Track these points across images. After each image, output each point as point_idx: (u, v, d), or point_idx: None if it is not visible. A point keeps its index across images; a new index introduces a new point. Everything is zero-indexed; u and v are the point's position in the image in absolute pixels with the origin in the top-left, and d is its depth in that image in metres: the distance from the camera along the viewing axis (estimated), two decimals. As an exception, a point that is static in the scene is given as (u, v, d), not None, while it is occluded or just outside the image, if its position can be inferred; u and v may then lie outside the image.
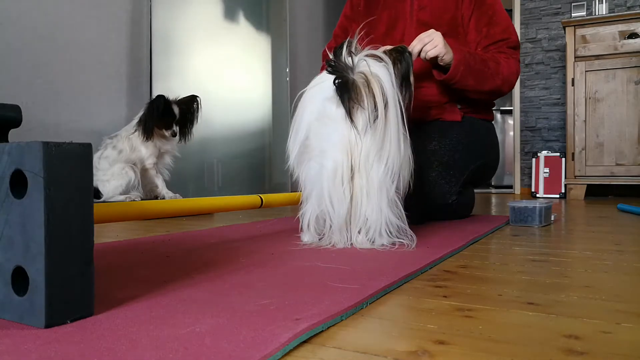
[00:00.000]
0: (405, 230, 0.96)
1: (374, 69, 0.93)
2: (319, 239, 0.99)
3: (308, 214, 0.99)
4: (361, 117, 0.91)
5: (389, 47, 1.10)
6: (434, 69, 1.41)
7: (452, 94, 1.50)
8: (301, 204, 1.02)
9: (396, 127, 0.93)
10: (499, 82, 1.45)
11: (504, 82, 1.46)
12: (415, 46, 1.32)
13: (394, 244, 0.94)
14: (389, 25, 1.55)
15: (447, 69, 1.37)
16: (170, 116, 1.87)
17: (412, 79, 1.07)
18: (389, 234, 0.94)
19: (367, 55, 0.96)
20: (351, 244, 0.95)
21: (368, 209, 0.93)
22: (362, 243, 0.94)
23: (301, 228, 1.02)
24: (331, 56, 0.96)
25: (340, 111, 0.92)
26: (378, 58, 0.97)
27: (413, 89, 1.09)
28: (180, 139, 1.95)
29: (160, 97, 1.84)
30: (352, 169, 0.93)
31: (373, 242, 0.94)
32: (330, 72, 0.93)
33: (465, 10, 1.51)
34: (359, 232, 0.95)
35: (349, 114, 0.91)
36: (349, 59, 0.94)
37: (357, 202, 0.94)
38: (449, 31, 1.49)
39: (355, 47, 0.97)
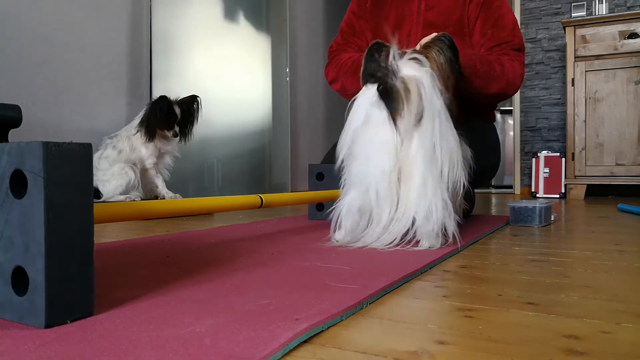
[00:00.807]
0: (454, 232, 0.95)
1: (414, 73, 0.94)
2: (352, 239, 0.98)
3: (345, 207, 0.98)
4: (403, 121, 0.92)
5: (426, 39, 1.11)
6: None
7: (458, 96, 1.49)
8: (338, 201, 1.01)
9: (438, 129, 0.93)
10: (503, 85, 1.44)
11: (509, 84, 1.45)
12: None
13: (445, 243, 0.93)
14: (395, 24, 1.55)
15: None
16: (172, 117, 1.87)
17: (460, 65, 1.07)
18: (444, 235, 0.94)
19: (409, 59, 0.97)
20: (390, 244, 0.93)
21: (419, 211, 0.92)
22: (410, 246, 0.93)
23: (335, 226, 1.01)
24: (366, 60, 0.97)
25: (382, 115, 0.94)
26: (419, 61, 0.98)
27: (460, 74, 1.09)
28: (180, 140, 1.95)
29: (164, 98, 1.84)
30: (399, 172, 0.93)
31: (419, 243, 0.93)
32: (373, 81, 0.95)
33: (472, 11, 1.50)
34: (405, 234, 0.94)
35: (393, 118, 0.92)
36: (392, 64, 0.95)
37: (404, 204, 0.93)
38: (455, 32, 1.48)
39: (394, 52, 0.97)
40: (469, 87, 1.39)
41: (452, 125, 0.97)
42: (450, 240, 0.94)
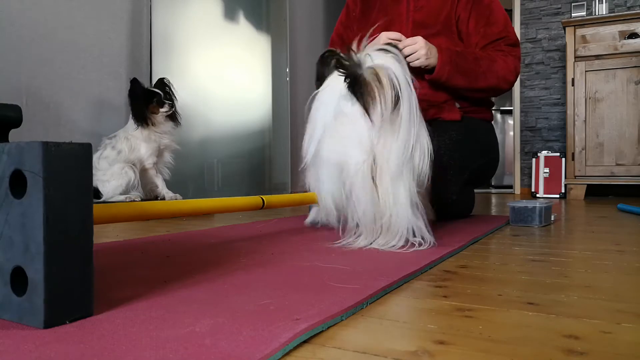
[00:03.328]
0: (426, 230, 0.93)
1: (382, 61, 0.91)
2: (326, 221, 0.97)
3: (327, 199, 0.97)
4: (377, 112, 0.89)
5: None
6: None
7: (450, 93, 1.51)
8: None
9: (412, 117, 0.90)
10: (493, 80, 1.46)
11: (500, 80, 1.47)
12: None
13: (413, 244, 0.91)
14: (384, 29, 1.56)
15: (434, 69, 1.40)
16: (155, 95, 1.87)
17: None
18: (413, 235, 0.91)
19: (376, 50, 0.95)
20: (373, 242, 0.92)
21: (398, 210, 0.90)
22: (384, 244, 0.91)
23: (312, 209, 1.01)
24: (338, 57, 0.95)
25: (356, 108, 0.91)
26: (385, 50, 0.96)
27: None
28: (174, 121, 1.95)
29: (134, 79, 1.85)
30: (374, 167, 0.91)
31: (393, 245, 0.91)
32: (340, 73, 0.92)
33: (462, 11, 1.52)
34: (380, 234, 0.92)
35: (366, 110, 0.89)
36: (357, 56, 0.93)
37: (383, 201, 0.91)
38: (443, 30, 1.51)
39: (361, 46, 0.96)
40: (454, 84, 1.43)
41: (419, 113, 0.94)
42: (429, 241, 0.92)
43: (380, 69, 0.90)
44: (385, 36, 1.41)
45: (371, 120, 0.89)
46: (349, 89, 0.91)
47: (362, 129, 0.91)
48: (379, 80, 0.89)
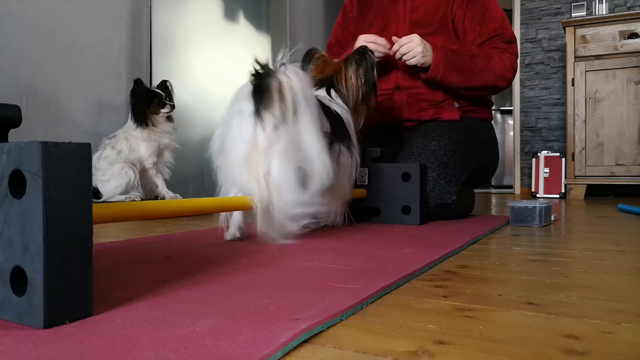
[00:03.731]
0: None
1: (289, 76, 0.98)
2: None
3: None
4: (269, 117, 0.96)
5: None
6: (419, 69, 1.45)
7: (448, 92, 1.51)
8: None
9: (306, 132, 0.97)
10: (491, 78, 1.46)
11: (498, 77, 1.47)
12: (396, 53, 1.42)
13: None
14: (381, 29, 1.56)
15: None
16: (156, 95, 1.88)
17: (375, 78, 1.14)
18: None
19: (288, 65, 1.02)
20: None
21: (276, 205, 0.97)
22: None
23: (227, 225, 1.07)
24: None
25: (251, 109, 0.98)
26: (297, 69, 1.02)
27: (376, 89, 1.17)
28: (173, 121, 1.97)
29: (138, 80, 1.86)
30: (257, 162, 0.97)
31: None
32: (252, 75, 0.99)
33: (458, 9, 1.52)
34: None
35: (258, 113, 0.96)
36: (273, 66, 0.99)
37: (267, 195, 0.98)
38: (440, 28, 1.51)
39: (283, 59, 1.02)
40: (449, 82, 1.44)
41: (319, 130, 1.01)
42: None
43: (285, 83, 0.97)
44: (362, 39, 1.45)
45: (261, 123, 0.96)
46: (251, 92, 0.98)
47: (250, 129, 0.97)
48: (280, 93, 0.96)
